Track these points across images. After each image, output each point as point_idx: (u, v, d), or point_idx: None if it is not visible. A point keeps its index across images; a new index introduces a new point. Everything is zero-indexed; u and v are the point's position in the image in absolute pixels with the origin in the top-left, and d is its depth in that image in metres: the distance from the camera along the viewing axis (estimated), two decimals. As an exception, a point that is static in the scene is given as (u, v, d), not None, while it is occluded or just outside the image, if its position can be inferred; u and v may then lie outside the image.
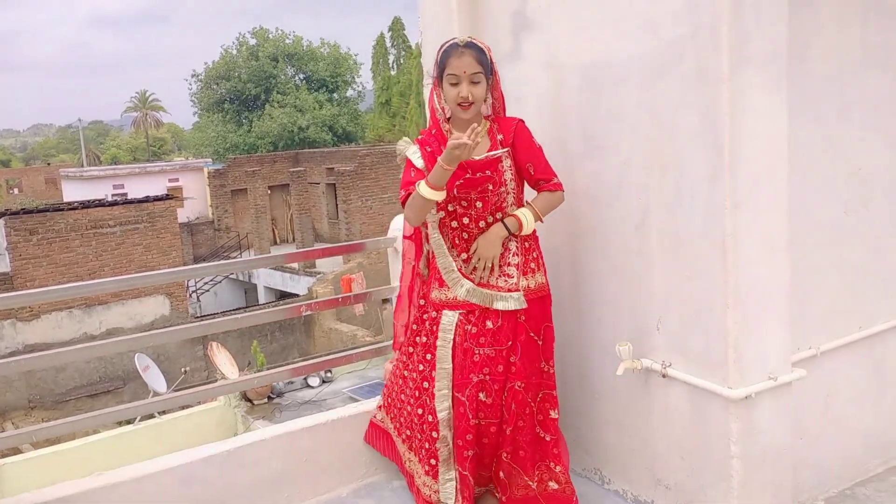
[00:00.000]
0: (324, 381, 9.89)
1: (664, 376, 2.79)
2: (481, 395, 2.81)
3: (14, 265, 17.48)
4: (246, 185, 30.45)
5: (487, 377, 2.81)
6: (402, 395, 3.06)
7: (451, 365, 2.85)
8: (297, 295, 23.73)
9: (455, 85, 2.71)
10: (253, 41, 43.19)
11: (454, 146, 2.54)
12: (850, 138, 3.03)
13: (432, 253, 2.93)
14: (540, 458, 2.89)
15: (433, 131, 2.88)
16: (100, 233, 18.45)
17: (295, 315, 3.64)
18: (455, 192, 2.76)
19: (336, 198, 28.89)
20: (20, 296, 3.91)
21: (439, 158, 2.62)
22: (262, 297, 27.46)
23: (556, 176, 2.86)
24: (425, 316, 2.97)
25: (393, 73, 40.80)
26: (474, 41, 2.74)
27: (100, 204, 19.72)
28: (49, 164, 60.30)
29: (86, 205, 19.28)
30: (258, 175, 30.51)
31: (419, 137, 2.92)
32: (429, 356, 2.92)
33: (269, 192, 31.03)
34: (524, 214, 2.80)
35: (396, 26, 40.70)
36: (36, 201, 34.89)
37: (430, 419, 2.88)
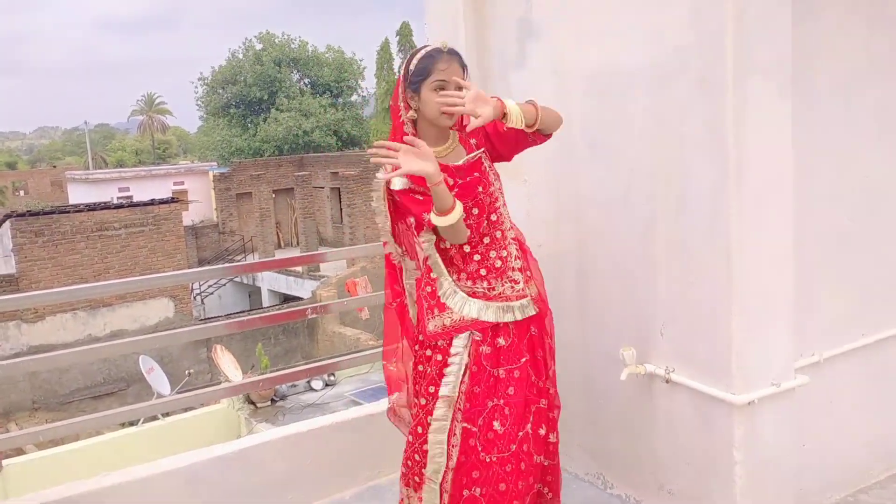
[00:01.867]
0: (327, 385, 9.92)
1: (668, 382, 2.80)
2: (495, 425, 2.47)
3: (20, 267, 17.51)
4: (251, 189, 30.52)
5: (501, 402, 2.48)
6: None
7: (456, 392, 2.49)
8: (300, 298, 23.74)
9: (439, 90, 2.45)
10: (259, 46, 43.30)
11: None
12: (856, 147, 3.04)
13: (425, 281, 2.58)
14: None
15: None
16: (105, 235, 18.49)
17: (300, 318, 3.66)
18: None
19: (340, 202, 28.91)
20: (25, 297, 3.95)
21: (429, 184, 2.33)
22: (266, 300, 27.49)
23: None
24: (428, 352, 2.56)
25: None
26: (454, 48, 2.54)
27: (105, 206, 19.77)
28: (55, 166, 60.42)
29: (91, 207, 19.31)
30: (263, 179, 30.58)
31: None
32: (432, 388, 2.53)
33: (273, 195, 31.09)
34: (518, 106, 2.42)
35: (405, 31, 40.76)
36: (42, 203, 34.99)
37: (418, 458, 2.54)
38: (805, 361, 2.91)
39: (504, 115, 2.40)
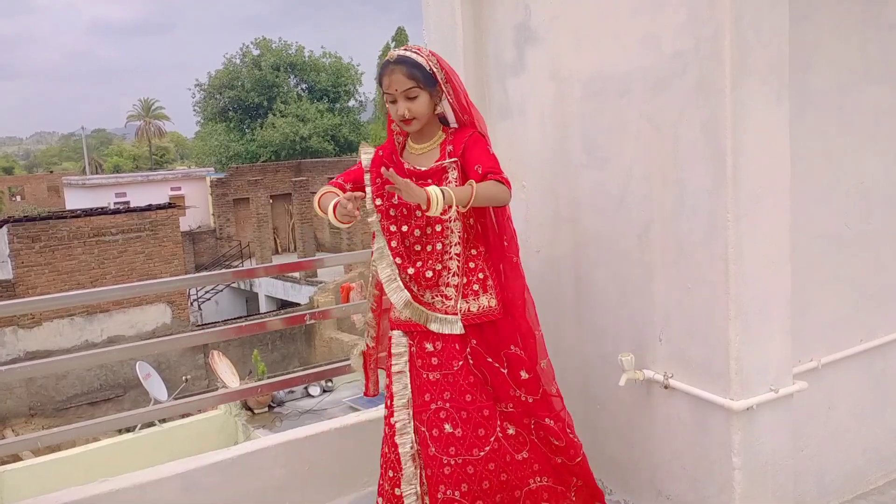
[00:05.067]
0: (324, 391, 9.89)
1: (666, 387, 2.79)
2: (446, 427, 2.56)
3: (16, 272, 17.49)
4: (248, 195, 30.52)
5: (448, 405, 2.58)
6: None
7: (409, 391, 2.66)
8: (298, 304, 23.72)
9: (393, 103, 2.56)
10: (256, 51, 43.36)
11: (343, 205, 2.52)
12: (851, 151, 3.05)
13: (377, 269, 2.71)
14: (562, 483, 2.71)
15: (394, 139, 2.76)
16: (102, 241, 18.48)
17: (298, 324, 3.65)
18: (396, 199, 2.61)
19: (338, 207, 28.90)
20: (22, 303, 3.92)
21: (337, 212, 2.58)
22: (263, 306, 27.45)
23: (504, 174, 2.51)
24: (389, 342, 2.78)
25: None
26: (407, 54, 2.55)
27: (102, 212, 19.75)
28: (52, 171, 60.38)
29: (88, 213, 19.31)
30: (260, 184, 30.57)
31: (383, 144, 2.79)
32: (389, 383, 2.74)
33: (271, 201, 31.07)
34: (447, 191, 2.36)
35: (400, 37, 40.81)
36: (38, 209, 34.94)
37: (387, 451, 2.69)
38: (803, 367, 2.91)
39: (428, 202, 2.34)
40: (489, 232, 2.67)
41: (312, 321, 3.65)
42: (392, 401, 2.69)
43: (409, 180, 2.37)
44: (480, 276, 2.64)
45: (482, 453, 2.56)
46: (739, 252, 2.51)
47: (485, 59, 3.48)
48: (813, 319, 2.97)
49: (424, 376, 2.63)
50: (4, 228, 17.80)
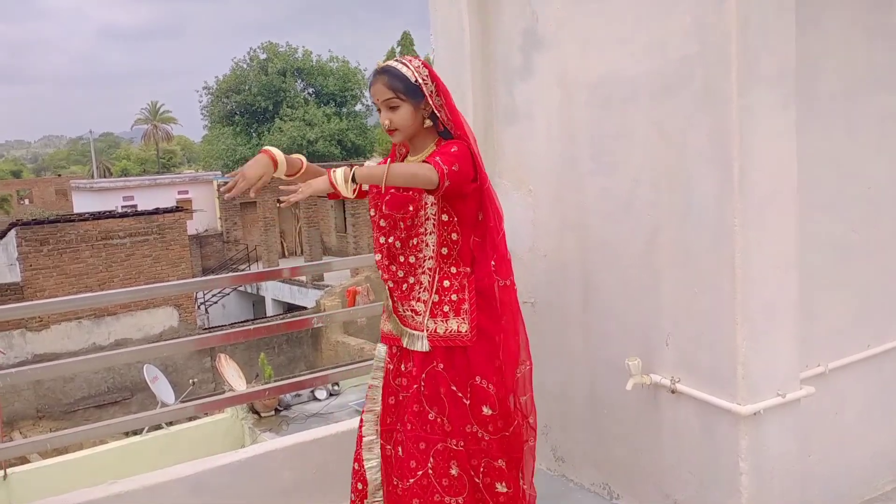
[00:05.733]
0: (331, 394, 9.91)
1: (673, 392, 2.80)
2: (399, 450, 2.55)
3: (25, 275, 17.56)
4: (255, 198, 30.58)
5: (401, 429, 2.57)
6: None
7: (380, 407, 2.66)
8: (304, 307, 23.74)
9: (380, 112, 2.53)
10: (263, 55, 43.48)
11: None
12: (858, 157, 3.05)
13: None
14: None
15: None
16: (110, 244, 18.55)
17: (304, 327, 3.66)
18: (384, 209, 2.56)
19: (344, 211, 28.95)
20: (30, 306, 3.96)
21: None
22: (270, 309, 27.49)
23: (443, 163, 2.36)
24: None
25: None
26: (392, 64, 2.50)
27: (110, 215, 19.85)
28: (60, 175, 60.69)
29: (96, 216, 19.40)
30: (267, 188, 30.34)
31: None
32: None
33: (278, 204, 31.02)
34: (343, 170, 2.33)
35: (406, 41, 40.86)
36: (47, 212, 35.10)
37: (357, 467, 2.70)
38: (810, 372, 2.91)
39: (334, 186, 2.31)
40: (477, 251, 2.56)
41: (319, 325, 3.65)
42: (364, 414, 2.72)
43: (310, 183, 2.35)
44: (454, 297, 2.51)
45: (407, 485, 2.49)
46: (746, 257, 2.51)
47: (492, 64, 3.49)
48: (820, 324, 2.97)
49: (398, 396, 2.62)
50: (13, 232, 17.89)
